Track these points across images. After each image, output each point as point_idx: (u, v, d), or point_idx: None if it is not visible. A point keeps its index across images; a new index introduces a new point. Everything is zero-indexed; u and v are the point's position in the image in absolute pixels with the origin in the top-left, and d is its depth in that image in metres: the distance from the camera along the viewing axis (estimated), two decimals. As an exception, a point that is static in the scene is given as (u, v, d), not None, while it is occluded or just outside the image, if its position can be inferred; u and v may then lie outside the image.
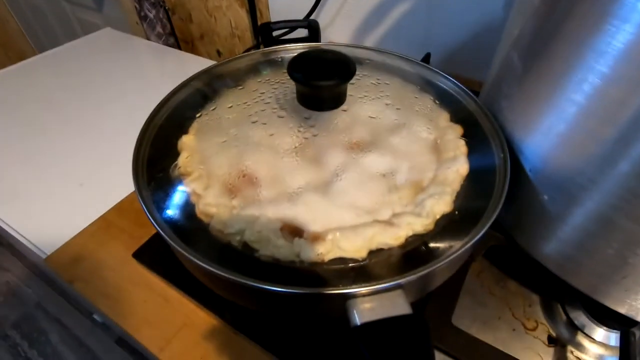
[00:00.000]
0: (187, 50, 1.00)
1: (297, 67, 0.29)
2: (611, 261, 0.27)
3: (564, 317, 0.36)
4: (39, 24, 1.42)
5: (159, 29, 0.92)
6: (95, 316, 0.99)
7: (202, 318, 0.37)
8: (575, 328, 0.35)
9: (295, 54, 0.31)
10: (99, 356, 1.12)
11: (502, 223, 0.35)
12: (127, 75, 0.82)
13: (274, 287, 0.23)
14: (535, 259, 0.33)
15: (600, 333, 0.34)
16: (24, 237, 0.52)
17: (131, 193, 0.50)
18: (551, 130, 0.28)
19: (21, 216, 0.54)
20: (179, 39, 1.01)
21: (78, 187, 0.58)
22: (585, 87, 0.25)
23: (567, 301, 0.36)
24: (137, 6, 0.90)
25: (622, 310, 0.29)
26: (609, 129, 0.24)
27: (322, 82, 0.28)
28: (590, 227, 0.28)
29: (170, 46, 0.94)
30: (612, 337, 0.34)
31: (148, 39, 0.95)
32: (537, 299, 0.38)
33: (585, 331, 0.34)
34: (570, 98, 0.26)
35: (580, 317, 0.35)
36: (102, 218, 0.47)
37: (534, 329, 0.36)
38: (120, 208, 0.48)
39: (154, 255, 0.41)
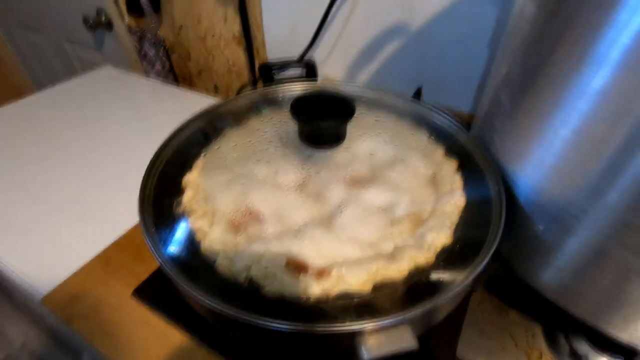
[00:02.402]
0: (185, 86, 1.02)
1: (299, 108, 0.30)
2: (608, 289, 0.28)
3: (567, 347, 0.36)
4: (37, 61, 1.45)
5: (158, 66, 0.95)
6: (84, 357, 0.95)
7: (203, 356, 0.36)
8: (578, 358, 0.35)
9: (297, 94, 0.32)
10: (87, 400, 1.07)
11: (501, 253, 0.36)
12: (127, 112, 0.83)
13: (281, 324, 0.23)
14: (535, 289, 0.33)
15: (603, 362, 0.34)
16: (19, 276, 0.51)
17: (131, 229, 0.50)
18: (542, 163, 0.30)
19: (16, 253, 0.53)
20: (177, 75, 1.05)
21: (76, 223, 0.58)
22: (570, 123, 0.26)
23: (569, 330, 0.36)
24: (137, 45, 0.94)
25: (624, 338, 0.29)
26: (595, 162, 0.25)
27: (323, 121, 0.30)
28: (585, 256, 0.29)
29: (169, 83, 0.96)
30: (616, 366, 0.34)
31: (147, 76, 0.98)
32: (539, 329, 0.38)
33: (589, 360, 0.34)
34: (557, 133, 0.27)
35: (583, 347, 0.35)
36: (102, 254, 0.47)
37: (538, 360, 0.36)
38: (119, 244, 0.48)
39: (154, 293, 0.40)
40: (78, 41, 1.21)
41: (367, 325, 0.23)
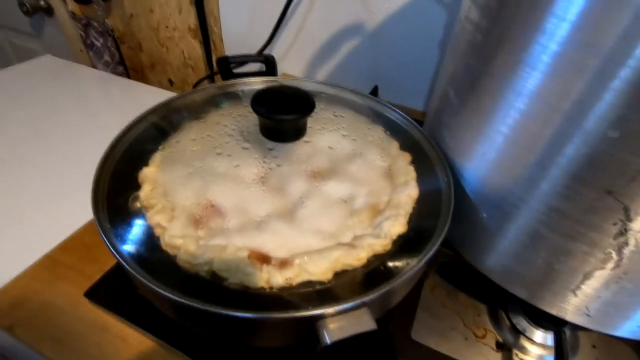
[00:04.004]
0: (137, 79, 0.98)
1: (261, 102, 0.31)
2: (541, 269, 0.31)
3: (508, 323, 0.39)
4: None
5: (106, 57, 0.90)
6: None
7: (162, 355, 0.36)
8: (518, 332, 0.38)
9: (257, 89, 0.33)
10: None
11: (451, 240, 0.38)
12: (71, 105, 0.78)
13: (245, 313, 0.23)
14: (481, 272, 0.36)
15: (538, 335, 0.38)
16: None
17: (78, 229, 0.48)
18: (485, 156, 0.32)
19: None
20: (128, 67, 0.99)
21: (15, 225, 0.54)
22: (509, 121, 0.29)
23: (509, 308, 0.40)
24: (83, 34, 0.88)
25: (553, 311, 0.33)
26: (529, 155, 0.28)
27: (285, 116, 0.30)
28: (523, 239, 0.32)
29: (118, 75, 0.91)
30: (549, 338, 0.38)
31: (94, 67, 0.92)
32: (484, 309, 0.41)
33: (527, 334, 0.38)
34: (497, 129, 0.30)
35: (521, 322, 0.39)
36: (47, 257, 0.44)
37: (484, 337, 0.39)
38: (67, 245, 0.45)
39: (108, 293, 0.39)
40: (12, 26, 1.11)
41: (326, 309, 0.24)
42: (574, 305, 0.31)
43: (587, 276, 0.29)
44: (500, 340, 0.38)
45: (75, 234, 0.47)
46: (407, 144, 0.40)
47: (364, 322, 0.24)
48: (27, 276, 0.42)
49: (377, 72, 0.73)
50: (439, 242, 0.30)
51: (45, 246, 0.45)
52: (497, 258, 0.34)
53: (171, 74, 0.97)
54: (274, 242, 0.28)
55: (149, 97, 0.79)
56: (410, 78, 0.70)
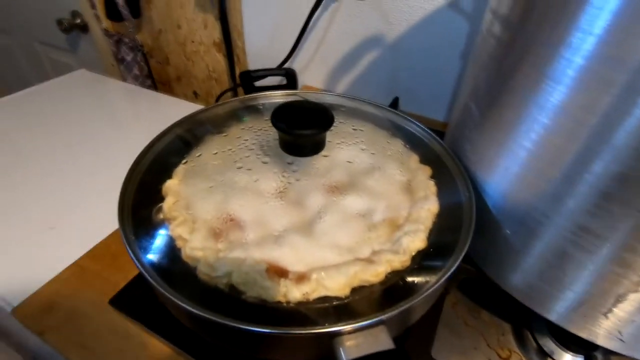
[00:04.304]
0: (164, 92, 1.01)
1: (280, 117, 0.31)
2: (569, 289, 0.30)
3: (534, 344, 0.38)
4: (6, 62, 1.39)
5: (135, 71, 0.94)
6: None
7: (183, 365, 0.36)
8: (545, 355, 0.37)
9: (278, 104, 0.33)
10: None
11: (473, 256, 0.37)
12: (103, 117, 0.81)
13: (261, 328, 0.23)
14: (504, 289, 0.35)
15: (567, 358, 0.36)
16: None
17: (106, 237, 0.49)
18: (507, 171, 0.31)
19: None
20: (156, 80, 1.03)
21: (48, 231, 0.56)
22: (532, 135, 0.28)
23: (535, 328, 0.38)
24: (114, 49, 0.92)
25: (583, 335, 0.31)
26: (554, 170, 0.27)
27: (304, 130, 0.31)
28: (548, 257, 0.30)
29: (147, 88, 0.95)
30: (578, 362, 0.36)
31: (124, 80, 0.96)
32: (509, 328, 0.40)
33: (554, 357, 0.36)
34: (520, 144, 0.29)
35: (548, 344, 0.37)
36: (76, 264, 0.46)
37: (508, 358, 0.37)
38: (94, 253, 0.47)
39: (132, 302, 0.40)
40: (50, 43, 1.18)
41: (344, 327, 0.24)
42: (606, 328, 0.30)
43: (620, 299, 0.28)
44: (526, 362, 0.37)
45: (102, 242, 0.49)
46: (428, 157, 0.39)
47: (381, 340, 0.24)
48: (57, 282, 0.43)
49: (397, 83, 0.73)
50: (459, 259, 0.29)
51: (75, 253, 0.47)
52: (521, 276, 0.33)
53: (196, 86, 1.00)
54: (291, 256, 0.28)
55: (174, 109, 0.82)
56: (431, 89, 0.70)
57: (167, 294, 0.25)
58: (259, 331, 0.23)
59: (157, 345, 0.38)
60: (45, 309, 0.41)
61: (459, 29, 0.61)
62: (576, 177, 0.26)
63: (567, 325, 0.32)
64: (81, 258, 0.46)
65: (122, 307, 0.40)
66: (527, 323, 0.39)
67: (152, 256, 0.29)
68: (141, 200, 0.34)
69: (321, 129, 0.31)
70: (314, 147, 0.33)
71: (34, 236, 0.55)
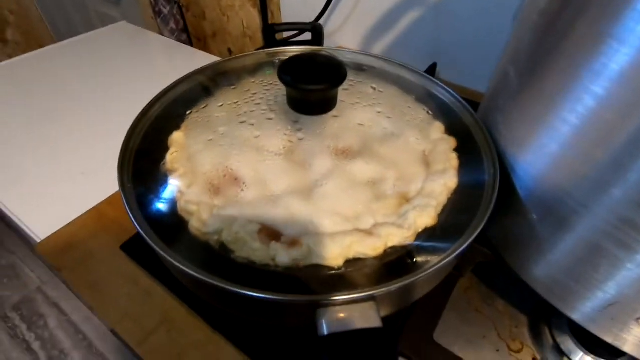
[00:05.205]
0: (199, 48, 1.01)
1: (288, 70, 0.29)
2: (599, 289, 0.26)
3: (551, 341, 0.34)
4: (59, 14, 1.45)
5: (172, 24, 0.93)
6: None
7: (182, 315, 0.37)
8: (561, 354, 0.34)
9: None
10: (94, 344, 1.13)
11: (492, 239, 0.34)
12: (138, 69, 0.83)
13: (241, 290, 0.22)
14: (523, 280, 0.32)
15: (587, 361, 0.33)
16: (22, 222, 0.53)
17: (127, 185, 0.51)
18: (544, 149, 0.27)
19: (22, 201, 0.55)
20: (191, 35, 1.03)
21: (79, 176, 0.59)
22: (579, 108, 0.24)
23: (554, 324, 0.35)
24: (153, 1, 0.92)
25: (608, 339, 0.28)
26: (602, 152, 0.23)
27: (311, 86, 0.28)
28: (579, 252, 0.27)
29: (182, 42, 0.95)
30: (599, 367, 0.32)
31: (161, 34, 0.96)
32: (524, 320, 0.37)
33: (572, 358, 0.33)
34: (563, 118, 0.25)
35: (567, 343, 0.34)
36: (95, 208, 0.47)
37: (519, 351, 0.35)
38: (113, 200, 0.49)
39: (141, 249, 0.41)
40: (97, -5, 1.20)
41: (327, 297, 0.22)
42: (636, 336, 0.26)
43: (658, 305, 0.24)
44: (538, 358, 0.34)
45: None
46: (455, 128, 0.35)
47: (368, 318, 0.22)
48: (77, 224, 0.45)
49: (438, 48, 0.66)
50: (471, 239, 0.26)
51: (98, 199, 0.49)
52: (545, 268, 0.30)
53: (230, 43, 0.98)
54: (286, 219, 0.27)
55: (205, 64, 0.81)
56: (475, 56, 0.63)
57: (151, 242, 0.25)
58: (238, 292, 0.22)
59: (161, 293, 0.39)
60: (64, 248, 0.43)
61: (514, -15, 0.53)
62: (628, 162, 0.22)
63: (591, 327, 0.28)
64: (101, 203, 0.48)
65: (132, 253, 0.41)
66: (546, 318, 0.36)
67: (150, 207, 0.29)
68: (148, 150, 0.33)
69: (330, 85, 0.28)
70: (322, 105, 0.30)
71: (67, 180, 0.58)
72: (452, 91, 0.38)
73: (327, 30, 0.77)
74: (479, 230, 0.26)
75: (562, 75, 0.25)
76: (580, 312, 0.29)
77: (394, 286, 0.23)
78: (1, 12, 1.51)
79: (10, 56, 1.55)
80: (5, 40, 1.56)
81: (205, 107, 0.34)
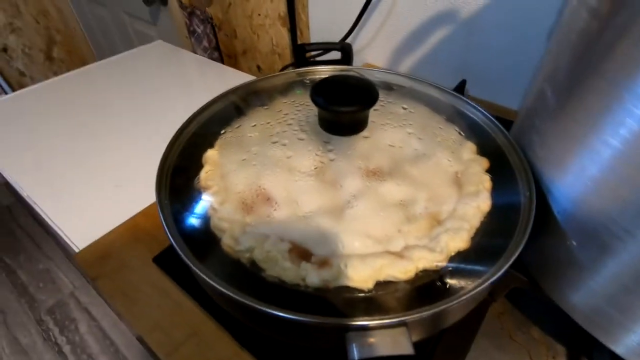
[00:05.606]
0: (230, 65, 1.04)
1: (320, 92, 0.29)
2: (646, 321, 0.25)
3: (592, 375, 0.32)
4: (101, 33, 1.54)
5: (205, 43, 0.97)
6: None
7: (211, 329, 0.37)
8: (603, 389, 0.32)
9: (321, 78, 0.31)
10: (120, 350, 1.16)
11: (527, 265, 0.33)
12: (174, 86, 0.87)
13: (272, 309, 0.22)
14: (562, 308, 0.30)
15: (631, 398, 0.31)
16: (61, 230, 0.55)
17: (160, 198, 0.52)
18: (584, 172, 0.26)
19: (62, 210, 0.58)
20: (223, 53, 1.06)
21: (114, 188, 0.62)
22: (622, 131, 0.23)
23: (596, 358, 0.33)
24: (187, 21, 0.96)
25: (657, 377, 0.26)
26: (647, 177, 0.22)
27: (343, 107, 0.28)
28: (624, 281, 0.25)
29: (214, 60, 0.98)
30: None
31: (194, 52, 1.00)
32: (562, 351, 0.35)
33: (616, 394, 0.31)
34: (605, 141, 0.24)
35: (610, 378, 0.32)
36: (131, 220, 0.49)
37: (557, 384, 0.33)
38: (148, 211, 0.50)
39: (172, 262, 0.42)
40: (135, 15, 1.27)
41: (360, 322, 0.22)
42: (689, 375, 0.24)
43: None
44: (578, 393, 0.32)
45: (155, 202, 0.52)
46: (487, 148, 0.35)
47: (400, 344, 0.22)
48: (113, 235, 0.47)
49: (467, 64, 0.66)
50: (507, 265, 0.25)
51: (133, 210, 0.51)
52: (585, 297, 0.28)
53: (260, 60, 1.01)
54: (317, 239, 0.27)
55: (237, 81, 0.84)
56: (506, 72, 0.62)
57: (184, 257, 0.25)
58: (267, 312, 0.22)
59: (190, 307, 0.39)
60: (101, 258, 0.45)
61: (547, 3, 0.53)
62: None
63: (638, 362, 0.27)
64: (136, 215, 0.50)
65: (164, 265, 0.42)
66: (587, 349, 0.34)
67: (184, 223, 0.30)
68: (183, 167, 0.34)
69: (361, 106, 0.29)
70: (353, 126, 0.31)
71: (103, 192, 0.61)
72: (484, 110, 0.38)
73: (355, 47, 0.78)
74: (515, 255, 0.25)
75: (603, 96, 0.24)
76: (625, 346, 0.27)
77: (427, 312, 0.23)
78: (50, 31, 1.62)
79: (55, 73, 1.66)
80: (51, 57, 1.67)
81: (238, 127, 0.35)
